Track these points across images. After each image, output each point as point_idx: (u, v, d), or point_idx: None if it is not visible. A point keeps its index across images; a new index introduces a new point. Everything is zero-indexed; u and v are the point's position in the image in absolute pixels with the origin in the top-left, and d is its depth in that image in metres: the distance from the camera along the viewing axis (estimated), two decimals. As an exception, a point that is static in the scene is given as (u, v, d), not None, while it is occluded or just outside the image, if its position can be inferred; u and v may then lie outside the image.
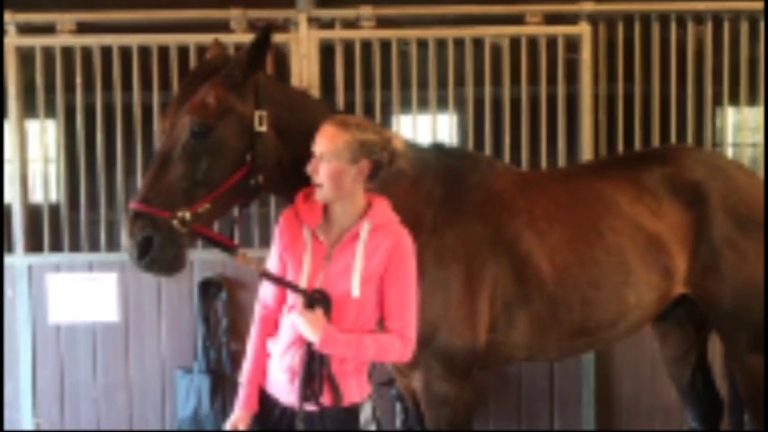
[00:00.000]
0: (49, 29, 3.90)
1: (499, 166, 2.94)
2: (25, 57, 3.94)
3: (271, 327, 2.28)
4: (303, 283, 2.14)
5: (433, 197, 2.65)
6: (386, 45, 3.91)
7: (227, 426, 2.24)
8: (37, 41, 3.87)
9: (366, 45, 3.91)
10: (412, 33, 3.89)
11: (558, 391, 3.94)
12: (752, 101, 4.15)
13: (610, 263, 2.72)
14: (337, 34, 3.91)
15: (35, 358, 3.90)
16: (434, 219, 2.61)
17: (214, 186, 2.27)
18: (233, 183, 2.29)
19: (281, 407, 2.20)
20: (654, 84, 3.99)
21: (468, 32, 3.89)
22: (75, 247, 4.00)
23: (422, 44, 3.91)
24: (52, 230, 3.97)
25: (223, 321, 3.86)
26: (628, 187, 2.84)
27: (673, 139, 4.04)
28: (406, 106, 4.06)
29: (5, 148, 3.92)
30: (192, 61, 3.88)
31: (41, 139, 3.97)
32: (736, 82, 4.00)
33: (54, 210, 4.06)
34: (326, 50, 3.95)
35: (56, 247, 3.99)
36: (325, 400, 2.13)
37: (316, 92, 3.80)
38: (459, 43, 3.93)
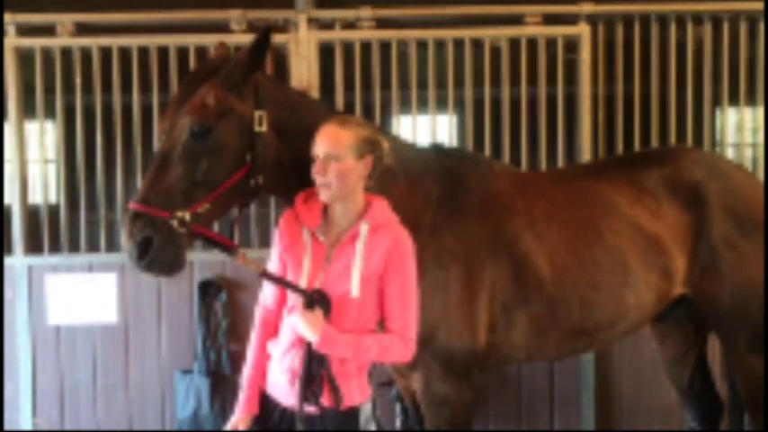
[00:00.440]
0: (48, 30, 3.90)
1: (498, 166, 2.94)
2: (24, 57, 3.94)
3: (271, 329, 2.28)
4: (303, 283, 2.14)
5: (432, 198, 2.65)
6: (385, 46, 3.91)
7: (228, 427, 2.23)
8: (36, 42, 3.87)
9: (365, 46, 3.92)
10: (411, 34, 3.89)
11: (558, 392, 3.94)
12: (751, 101, 4.15)
13: (609, 263, 2.72)
14: (337, 35, 3.92)
15: (35, 359, 3.90)
16: (433, 219, 2.61)
17: (214, 187, 2.27)
18: (232, 183, 2.29)
19: (281, 409, 2.20)
20: (653, 84, 3.99)
21: (467, 33, 3.89)
22: (74, 248, 4.00)
23: (421, 45, 3.91)
24: (52, 231, 3.97)
25: (223, 322, 3.86)
26: (627, 188, 2.84)
27: (672, 139, 4.05)
28: (405, 107, 4.06)
29: (5, 149, 3.92)
30: (192, 62, 3.88)
31: (41, 140, 3.97)
32: (735, 82, 4.01)
33: (53, 211, 4.06)
34: (326, 51, 3.95)
35: (55, 248, 3.99)
36: (326, 401, 2.13)
37: (315, 93, 3.80)
38: (458, 44, 3.94)
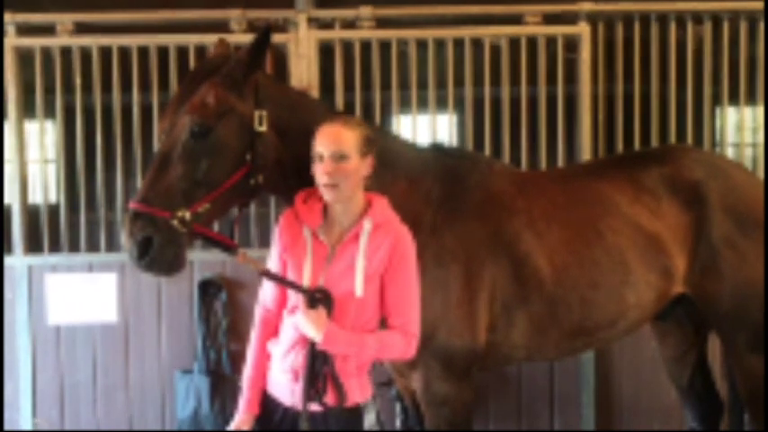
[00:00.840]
0: (48, 29, 3.90)
1: (498, 166, 2.94)
2: (24, 57, 3.94)
3: (271, 329, 2.28)
4: (305, 283, 2.14)
5: (432, 197, 2.65)
6: (385, 45, 3.91)
7: (231, 428, 2.23)
8: (36, 42, 3.87)
9: (365, 45, 3.91)
10: (411, 33, 3.89)
11: (558, 392, 3.94)
12: (751, 101, 4.15)
13: (609, 263, 2.72)
14: (336, 34, 3.91)
15: (35, 359, 3.89)
16: (433, 219, 2.61)
17: (214, 186, 2.27)
18: (233, 183, 2.29)
19: (282, 408, 2.20)
20: (653, 83, 3.99)
21: (467, 32, 3.89)
22: (74, 247, 4.00)
23: (421, 44, 3.91)
24: (51, 231, 3.97)
25: (223, 322, 3.86)
26: (627, 187, 2.84)
27: (672, 138, 4.04)
28: (405, 106, 4.06)
29: (5, 149, 3.92)
30: (192, 61, 3.88)
31: (40, 140, 3.97)
32: (735, 82, 4.00)
33: (53, 210, 4.06)
34: (326, 51, 3.95)
35: (55, 248, 3.99)
36: (329, 399, 2.13)
37: (315, 92, 3.79)
38: (458, 43, 3.93)
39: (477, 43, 3.93)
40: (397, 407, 3.55)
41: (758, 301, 2.81)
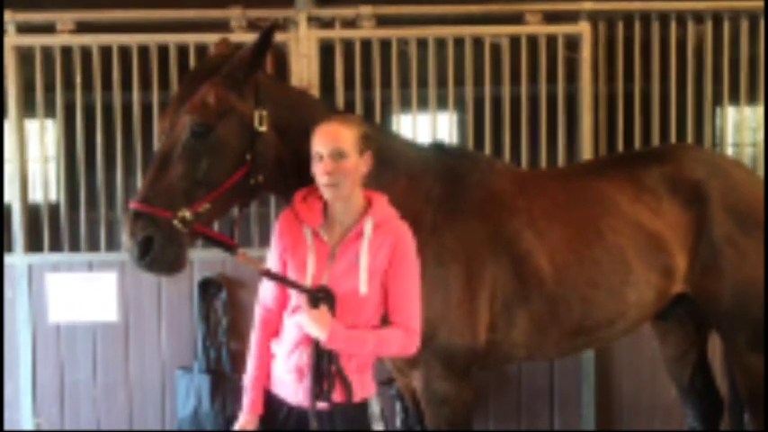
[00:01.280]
0: (48, 28, 3.89)
1: (499, 165, 2.94)
2: (24, 56, 3.94)
3: (272, 329, 2.28)
4: (308, 283, 2.15)
5: (433, 196, 2.65)
6: (385, 44, 3.91)
7: (236, 428, 2.24)
8: (36, 41, 3.86)
9: (366, 44, 3.91)
10: (412, 32, 3.88)
11: (558, 391, 3.94)
12: (752, 100, 4.14)
13: (609, 262, 2.72)
14: (337, 33, 3.91)
15: (35, 358, 3.90)
16: (434, 218, 2.61)
17: (214, 186, 2.27)
18: (233, 182, 2.29)
19: (287, 407, 2.21)
20: (654, 83, 3.99)
21: (467, 31, 3.89)
22: (74, 246, 4.00)
23: (421, 43, 3.90)
24: (52, 230, 3.96)
25: (223, 321, 3.86)
26: (627, 186, 2.84)
27: (672, 137, 4.04)
28: (405, 105, 4.05)
29: (5, 148, 3.91)
30: (192, 60, 3.88)
31: (41, 139, 3.97)
32: (736, 81, 4.00)
33: (54, 209, 4.05)
34: (326, 50, 3.94)
35: (56, 246, 3.99)
36: (336, 396, 2.14)
37: (315, 91, 3.79)
38: (458, 42, 3.93)
39: (477, 42, 3.93)
40: (398, 406, 3.56)
41: (759, 299, 2.81)
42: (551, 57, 3.90)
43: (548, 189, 2.84)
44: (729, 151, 4.16)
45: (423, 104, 4.01)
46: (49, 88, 3.94)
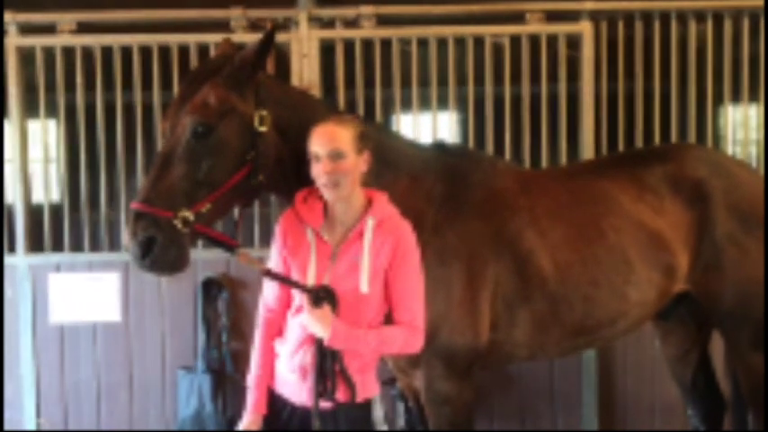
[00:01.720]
0: (49, 29, 3.90)
1: (500, 164, 2.94)
2: (26, 57, 3.94)
3: (275, 329, 2.29)
4: (310, 283, 2.15)
5: (434, 196, 2.65)
6: (386, 44, 3.90)
7: (240, 427, 2.24)
8: (37, 41, 3.87)
9: (367, 44, 3.91)
10: (412, 32, 3.88)
11: (560, 391, 3.93)
12: (753, 98, 4.14)
13: (611, 261, 2.72)
14: (338, 33, 3.91)
15: (37, 358, 3.90)
16: (435, 218, 2.61)
17: (216, 186, 2.27)
18: (234, 183, 2.30)
19: (290, 407, 2.21)
20: (655, 81, 3.98)
21: (468, 31, 3.89)
22: (76, 247, 4.01)
23: (422, 43, 3.90)
24: (54, 230, 3.97)
25: (225, 321, 3.86)
26: (629, 185, 2.84)
27: (674, 136, 4.04)
28: (406, 105, 4.05)
29: (6, 148, 3.92)
30: (193, 61, 3.88)
31: (42, 139, 3.97)
32: (737, 79, 4.00)
33: (55, 210, 4.06)
34: (327, 49, 3.94)
35: (58, 247, 3.99)
36: (340, 396, 2.14)
37: (316, 91, 3.79)
38: (459, 42, 3.93)
39: (478, 41, 3.93)
40: (400, 406, 3.56)
41: (761, 298, 2.81)
42: (552, 56, 3.90)
43: (549, 188, 2.84)
44: (730, 150, 4.15)
45: (424, 104, 4.01)
46: (51, 89, 3.94)
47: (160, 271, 2.23)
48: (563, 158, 3.97)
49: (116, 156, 3.92)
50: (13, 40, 3.86)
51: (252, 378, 2.28)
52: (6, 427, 3.86)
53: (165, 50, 3.90)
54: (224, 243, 2.32)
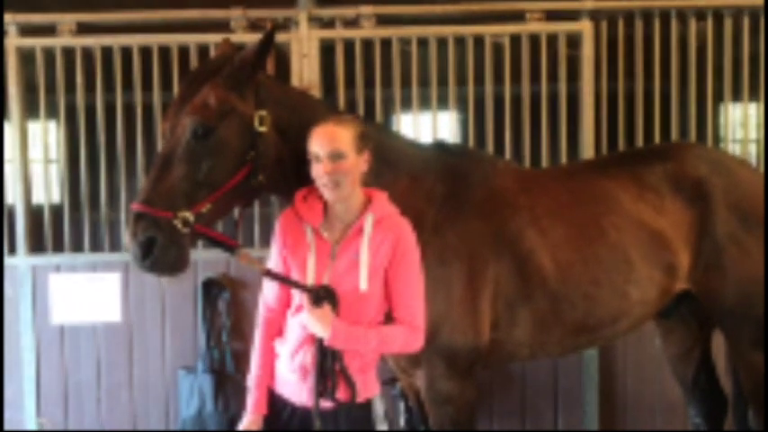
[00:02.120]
0: (49, 29, 3.90)
1: (501, 163, 2.94)
2: (26, 57, 3.94)
3: (275, 328, 2.29)
4: (310, 282, 2.15)
5: (435, 195, 2.65)
6: (386, 44, 3.90)
7: (240, 427, 2.24)
8: (37, 42, 3.87)
9: (367, 43, 3.91)
10: (412, 32, 3.88)
11: (562, 390, 3.93)
12: (754, 97, 4.13)
13: (612, 260, 2.72)
14: (338, 33, 3.91)
15: (38, 359, 3.90)
16: (436, 217, 2.61)
17: (216, 187, 2.27)
18: (234, 183, 2.30)
19: (290, 407, 2.21)
20: (655, 80, 3.98)
21: (468, 30, 3.88)
22: (77, 247, 4.01)
23: (422, 42, 3.90)
24: (55, 231, 3.97)
25: (226, 321, 3.86)
26: (630, 184, 2.84)
27: (674, 135, 4.03)
28: (406, 105, 4.05)
29: (7, 149, 3.92)
30: (193, 61, 3.88)
31: (43, 140, 3.97)
32: (737, 78, 3.99)
33: (56, 210, 4.06)
34: (327, 49, 3.94)
35: (58, 247, 4.00)
36: (341, 395, 2.14)
37: (316, 91, 3.79)
38: (459, 41, 3.93)
39: (478, 41, 3.93)
40: (401, 405, 3.56)
41: (761, 297, 2.81)
42: (552, 55, 3.90)
43: (550, 187, 2.84)
44: (731, 148, 4.15)
45: (424, 104, 4.01)
46: (51, 89, 3.94)
47: (160, 271, 2.23)
48: (563, 158, 3.96)
49: (116, 156, 3.92)
50: (13, 41, 3.86)
51: (252, 378, 2.28)
52: (7, 426, 3.87)
53: (165, 51, 3.91)
54: (224, 243, 2.32)
